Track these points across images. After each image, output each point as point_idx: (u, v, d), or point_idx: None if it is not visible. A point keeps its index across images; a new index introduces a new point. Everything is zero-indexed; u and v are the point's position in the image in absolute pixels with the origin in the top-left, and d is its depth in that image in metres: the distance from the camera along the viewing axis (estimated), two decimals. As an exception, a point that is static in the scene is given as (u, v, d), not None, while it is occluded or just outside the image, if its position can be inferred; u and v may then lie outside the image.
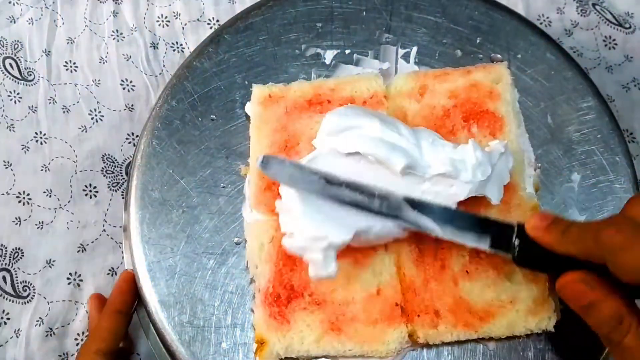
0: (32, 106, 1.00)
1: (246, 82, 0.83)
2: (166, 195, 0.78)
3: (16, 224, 0.95)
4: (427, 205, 0.70)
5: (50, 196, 0.97)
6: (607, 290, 0.60)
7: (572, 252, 0.62)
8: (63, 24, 1.04)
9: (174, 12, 1.05)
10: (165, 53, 1.04)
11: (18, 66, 1.02)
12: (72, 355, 0.91)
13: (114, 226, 0.96)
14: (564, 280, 0.62)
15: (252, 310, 0.74)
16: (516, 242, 0.67)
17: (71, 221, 0.96)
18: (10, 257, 0.94)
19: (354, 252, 0.73)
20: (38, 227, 0.95)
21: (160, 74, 1.02)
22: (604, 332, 0.60)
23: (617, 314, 0.59)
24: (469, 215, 0.71)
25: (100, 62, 1.03)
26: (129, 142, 0.99)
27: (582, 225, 0.64)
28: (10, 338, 0.91)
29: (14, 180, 0.97)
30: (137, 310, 0.82)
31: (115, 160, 0.99)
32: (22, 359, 0.91)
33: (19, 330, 0.92)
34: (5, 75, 1.01)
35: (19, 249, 0.94)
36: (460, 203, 0.73)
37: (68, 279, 0.94)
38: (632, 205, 0.64)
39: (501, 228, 0.69)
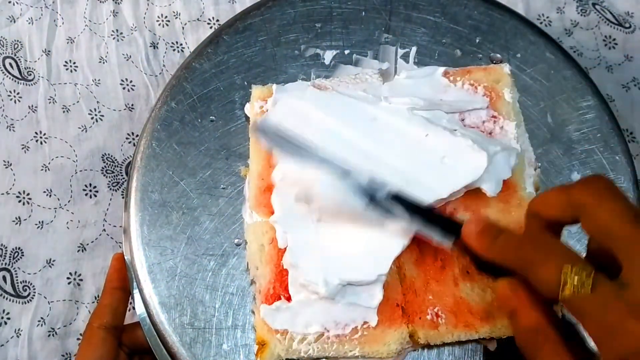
0: (32, 106, 1.00)
1: (245, 83, 0.83)
2: (166, 196, 0.78)
3: (16, 223, 0.95)
4: (406, 197, 0.69)
5: (50, 196, 0.97)
6: (530, 300, 0.58)
7: (498, 261, 0.60)
8: (63, 23, 1.05)
9: (173, 12, 1.05)
10: (165, 53, 1.04)
11: (18, 66, 1.02)
12: (75, 355, 0.91)
13: (114, 226, 0.97)
14: (496, 284, 0.61)
15: (253, 312, 0.74)
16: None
17: (71, 221, 0.96)
18: (10, 257, 0.94)
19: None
20: (38, 227, 0.96)
21: (160, 73, 1.03)
22: (521, 342, 0.59)
23: (535, 326, 0.57)
24: (441, 214, 0.70)
25: (100, 62, 1.03)
26: (129, 142, 1.00)
27: (508, 235, 0.62)
28: (11, 338, 0.92)
29: (14, 180, 0.97)
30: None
31: (115, 160, 0.99)
32: (25, 359, 0.91)
33: (19, 330, 0.92)
34: (5, 75, 1.01)
35: (19, 248, 0.95)
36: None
37: (68, 278, 0.94)
38: (536, 205, 0.63)
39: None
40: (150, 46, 1.04)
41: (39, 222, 0.96)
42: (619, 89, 1.00)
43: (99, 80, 1.02)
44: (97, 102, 1.01)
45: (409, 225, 0.69)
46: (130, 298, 0.82)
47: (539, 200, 0.62)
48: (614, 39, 1.02)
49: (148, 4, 1.06)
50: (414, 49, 0.85)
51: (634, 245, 0.52)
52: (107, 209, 0.97)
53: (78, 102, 1.01)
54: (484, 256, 0.62)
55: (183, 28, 1.05)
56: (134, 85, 1.02)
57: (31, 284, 0.94)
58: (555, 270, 0.54)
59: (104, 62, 1.03)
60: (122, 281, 0.81)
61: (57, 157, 0.98)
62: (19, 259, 0.94)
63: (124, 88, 1.02)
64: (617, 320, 0.51)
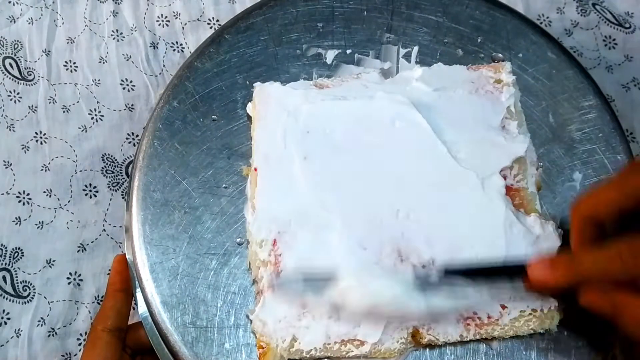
0: (32, 106, 1.00)
1: (247, 82, 0.83)
2: (168, 196, 0.78)
3: (16, 223, 0.95)
4: (460, 267, 0.69)
5: (50, 196, 0.96)
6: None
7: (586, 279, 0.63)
8: (63, 23, 1.04)
9: (173, 12, 1.05)
10: (165, 53, 1.03)
11: (18, 66, 1.02)
12: (75, 355, 0.91)
13: (114, 226, 0.96)
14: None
15: (248, 317, 0.73)
16: None
17: (71, 221, 0.96)
18: (10, 257, 0.94)
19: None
20: (38, 227, 0.95)
21: (160, 73, 1.02)
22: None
23: None
24: (498, 266, 0.70)
25: (100, 62, 1.03)
26: (129, 142, 0.99)
27: (585, 253, 0.63)
28: (11, 338, 0.91)
29: (14, 180, 0.97)
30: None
31: (115, 160, 0.99)
32: (25, 359, 0.90)
33: (19, 330, 0.91)
34: (5, 75, 1.01)
35: (19, 248, 0.94)
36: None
37: (68, 278, 0.94)
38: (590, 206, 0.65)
39: None
40: (150, 46, 1.04)
41: (39, 222, 0.95)
42: (619, 89, 1.00)
43: (99, 80, 1.02)
44: (97, 102, 1.01)
45: (475, 289, 0.68)
46: (132, 297, 0.82)
47: (591, 200, 0.64)
48: (614, 39, 1.02)
49: (148, 4, 1.05)
50: (415, 48, 0.85)
51: None
52: (107, 209, 0.97)
53: (78, 102, 1.00)
54: (564, 282, 0.64)
55: (183, 28, 1.05)
56: (134, 86, 1.02)
57: (31, 284, 0.93)
58: None
59: (104, 62, 1.03)
60: (124, 283, 0.81)
61: (57, 157, 0.98)
62: (19, 259, 0.94)
63: (124, 88, 1.01)
64: None
